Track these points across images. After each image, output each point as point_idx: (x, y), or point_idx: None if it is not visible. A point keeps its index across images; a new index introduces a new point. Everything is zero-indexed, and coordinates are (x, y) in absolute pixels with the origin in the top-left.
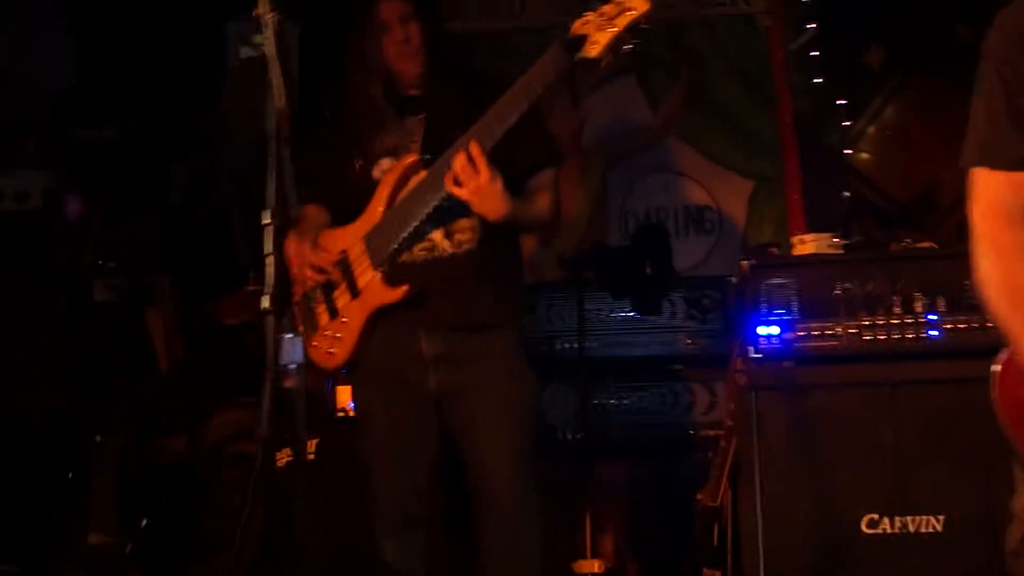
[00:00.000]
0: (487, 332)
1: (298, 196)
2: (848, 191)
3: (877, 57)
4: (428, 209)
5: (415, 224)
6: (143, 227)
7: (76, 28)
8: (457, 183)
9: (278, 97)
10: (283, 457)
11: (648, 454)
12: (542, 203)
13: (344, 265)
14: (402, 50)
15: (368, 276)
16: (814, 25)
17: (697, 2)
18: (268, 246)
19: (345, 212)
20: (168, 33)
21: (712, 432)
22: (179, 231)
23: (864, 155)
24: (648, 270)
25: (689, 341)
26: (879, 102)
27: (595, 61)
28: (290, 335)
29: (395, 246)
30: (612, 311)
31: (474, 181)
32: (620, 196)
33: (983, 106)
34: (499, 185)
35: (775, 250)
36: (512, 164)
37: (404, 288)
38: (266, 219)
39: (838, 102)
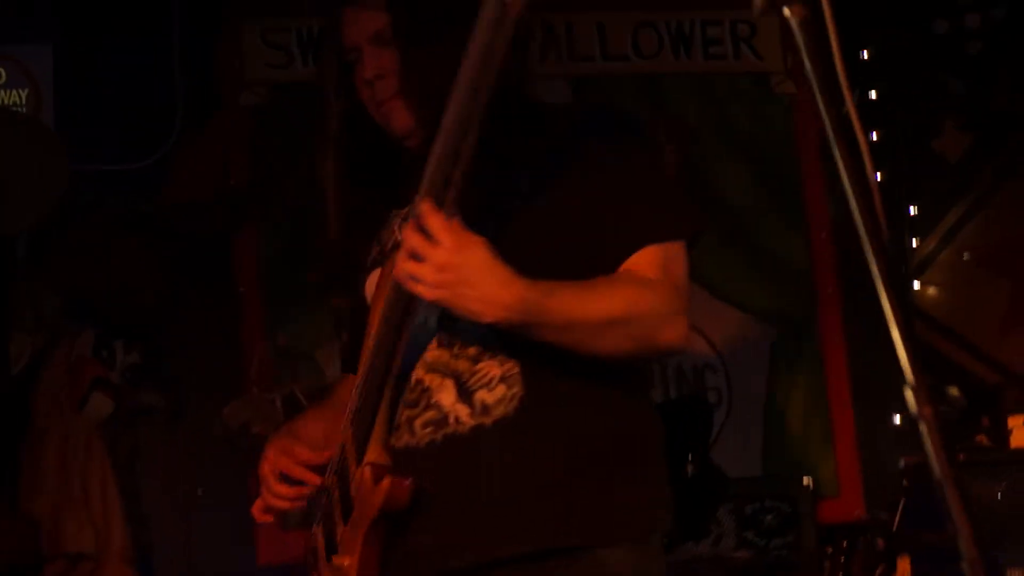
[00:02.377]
0: (557, 561)
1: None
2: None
3: (956, 145)
4: (399, 344)
5: (392, 375)
6: None
7: None
8: (412, 277)
9: None
10: None
11: None
12: (626, 296)
13: (341, 465)
14: (374, 94)
15: (358, 476)
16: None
17: (682, 53)
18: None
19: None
20: None
21: None
22: None
23: (932, 289)
24: (690, 467)
25: None
26: (958, 212)
27: None
28: None
29: (372, 421)
30: None
31: (433, 258)
32: None
33: None
34: (482, 252)
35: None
36: (581, 243)
37: (401, 485)
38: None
39: (906, 210)
